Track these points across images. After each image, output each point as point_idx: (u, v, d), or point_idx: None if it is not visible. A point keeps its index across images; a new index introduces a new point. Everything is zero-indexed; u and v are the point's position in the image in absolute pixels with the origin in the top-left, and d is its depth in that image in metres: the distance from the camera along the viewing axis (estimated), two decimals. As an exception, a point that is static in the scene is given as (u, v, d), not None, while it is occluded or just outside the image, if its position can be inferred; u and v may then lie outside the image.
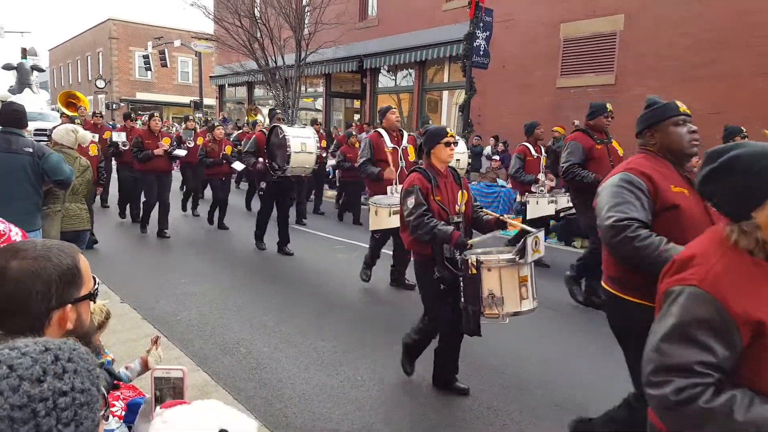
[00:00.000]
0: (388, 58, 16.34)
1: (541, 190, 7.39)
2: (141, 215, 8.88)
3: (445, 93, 16.45)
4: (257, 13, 18.10)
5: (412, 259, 3.81)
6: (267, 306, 5.50)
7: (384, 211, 5.46)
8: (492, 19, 11.98)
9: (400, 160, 6.03)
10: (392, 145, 6.04)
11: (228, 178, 9.88)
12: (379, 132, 6.18)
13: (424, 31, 15.33)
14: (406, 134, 6.33)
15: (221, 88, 26.75)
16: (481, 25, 11.59)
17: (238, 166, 9.37)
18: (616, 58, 11.63)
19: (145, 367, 2.39)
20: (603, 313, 2.81)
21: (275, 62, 17.44)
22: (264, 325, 4.96)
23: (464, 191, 3.73)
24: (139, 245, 8.23)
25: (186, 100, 31.84)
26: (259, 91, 24.07)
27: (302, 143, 6.89)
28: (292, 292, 6.05)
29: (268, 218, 7.76)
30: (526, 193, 7.44)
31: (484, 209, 3.90)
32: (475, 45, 11.47)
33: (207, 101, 28.86)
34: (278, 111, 7.89)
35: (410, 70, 16.84)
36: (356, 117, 19.61)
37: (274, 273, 6.81)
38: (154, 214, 8.64)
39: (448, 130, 3.72)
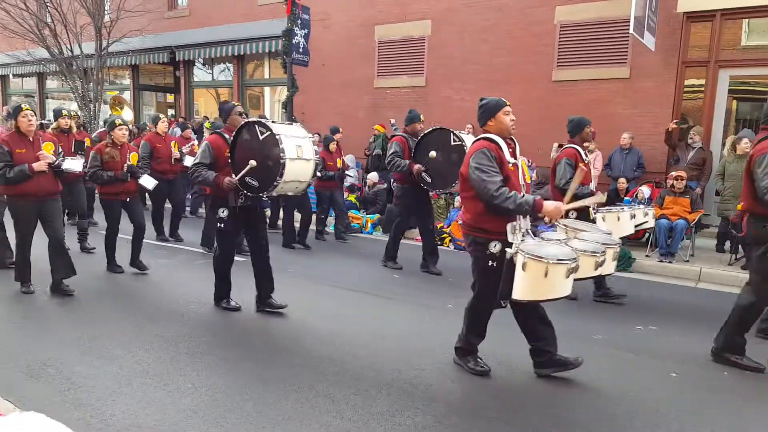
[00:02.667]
0: (202, 51, 15.59)
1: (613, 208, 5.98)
2: (16, 263, 5.88)
3: (267, 89, 16.20)
4: (46, -5, 16.07)
5: None
6: (78, 321, 4.96)
7: (558, 271, 3.45)
8: (309, 17, 12.09)
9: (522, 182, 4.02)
10: (512, 160, 3.94)
11: (136, 198, 6.93)
12: (492, 139, 3.93)
13: (241, 24, 14.92)
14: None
15: (4, 78, 23.26)
16: (299, 22, 11.63)
17: (148, 182, 6.91)
18: (425, 62, 12.47)
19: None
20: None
21: (71, 51, 15.66)
22: (76, 342, 4.46)
23: None
24: None
25: (-43, 91, 27.02)
26: (52, 83, 21.41)
27: (297, 146, 4.86)
28: (106, 303, 5.52)
29: (232, 261, 5.49)
30: (592, 209, 5.74)
31: None
32: (294, 42, 11.47)
33: (-15, 93, 24.85)
34: (236, 104, 5.51)
35: (228, 65, 16.29)
36: (170, 112, 18.43)
37: (83, 284, 6.13)
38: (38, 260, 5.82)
39: None
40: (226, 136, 5.15)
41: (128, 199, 6.69)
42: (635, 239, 8.59)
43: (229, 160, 5.01)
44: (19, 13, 15.37)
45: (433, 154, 6.40)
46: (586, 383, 4.02)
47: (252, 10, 14.95)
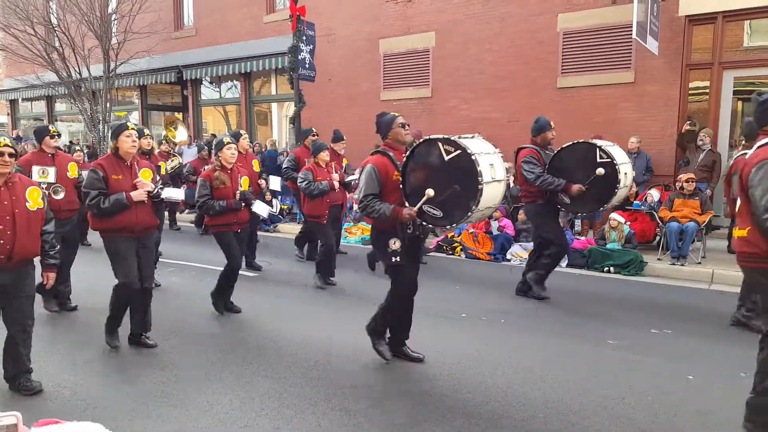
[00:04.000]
0: (209, 69, 15.79)
1: None
2: (111, 311, 4.79)
3: (274, 105, 16.36)
4: (54, 21, 16.35)
5: None
6: (88, 341, 4.97)
7: None
8: (314, 33, 12.21)
9: None
10: None
11: (246, 229, 6.08)
12: None
13: (247, 42, 15.12)
14: None
15: (13, 103, 23.59)
16: (304, 38, 11.74)
17: (262, 209, 5.95)
18: (431, 73, 12.54)
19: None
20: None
21: (80, 73, 15.90)
22: (89, 363, 4.49)
23: None
24: None
25: (-32, 116, 27.45)
26: (61, 106, 21.71)
27: (490, 165, 3.97)
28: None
29: (412, 298, 4.50)
30: None
31: None
32: (300, 58, 11.58)
33: (-4, 118, 25.25)
34: (397, 114, 4.48)
35: (235, 82, 16.47)
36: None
37: (91, 304, 6.18)
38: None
39: None
40: (391, 154, 4.22)
41: (239, 230, 5.76)
42: (646, 243, 8.55)
43: (401, 185, 4.08)
44: (28, 38, 15.64)
45: (600, 171, 5.45)
46: (603, 389, 4.00)
47: (257, 28, 15.13)
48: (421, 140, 4.01)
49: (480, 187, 3.76)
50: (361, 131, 13.06)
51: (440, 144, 3.91)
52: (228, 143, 5.58)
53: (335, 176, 7.05)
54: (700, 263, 7.82)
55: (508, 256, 8.64)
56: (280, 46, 13.33)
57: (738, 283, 7.06)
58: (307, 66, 11.78)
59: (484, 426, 3.46)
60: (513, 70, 11.33)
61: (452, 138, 3.88)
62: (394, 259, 4.20)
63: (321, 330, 5.28)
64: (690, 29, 9.76)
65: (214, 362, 4.50)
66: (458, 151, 3.85)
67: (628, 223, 8.59)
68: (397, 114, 4.35)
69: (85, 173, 4.98)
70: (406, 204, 4.06)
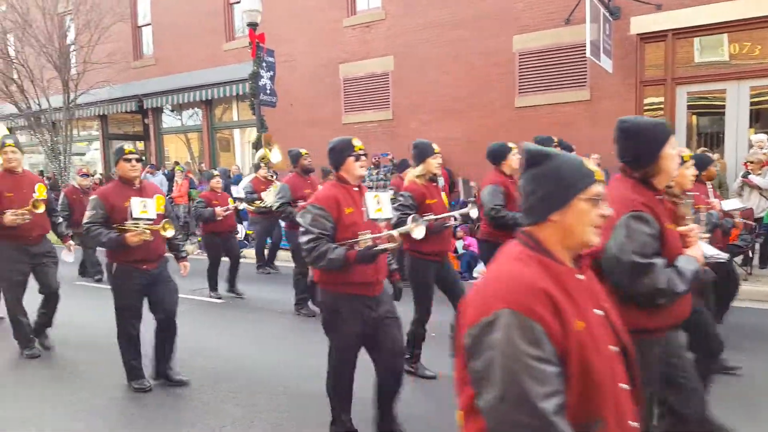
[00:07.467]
0: (170, 98, 15.71)
1: None
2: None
3: (236, 131, 16.30)
4: (12, 53, 16.09)
5: None
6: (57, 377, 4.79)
7: None
8: (274, 59, 12.24)
9: None
10: None
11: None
12: None
13: (207, 70, 15.08)
14: None
15: (-30, 136, 22.94)
16: (264, 65, 11.76)
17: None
18: (391, 96, 12.68)
19: None
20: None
21: (39, 105, 15.61)
22: (58, 396, 4.31)
23: None
24: None
25: None
26: (21, 137, 21.08)
27: None
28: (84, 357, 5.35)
29: None
30: None
31: None
32: (260, 84, 11.58)
33: (-49, 152, 24.46)
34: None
35: (197, 109, 16.38)
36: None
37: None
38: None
39: None
40: None
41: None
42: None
43: None
44: (-16, 72, 15.35)
45: None
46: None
47: (217, 56, 15.12)
48: None
49: None
50: (325, 154, 13.05)
51: None
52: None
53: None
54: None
55: (475, 274, 8.66)
56: (240, 73, 13.31)
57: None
58: (268, 92, 11.78)
59: None
60: (471, 91, 11.53)
61: None
62: None
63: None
64: (642, 47, 10.09)
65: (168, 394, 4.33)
66: None
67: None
68: None
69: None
70: None
